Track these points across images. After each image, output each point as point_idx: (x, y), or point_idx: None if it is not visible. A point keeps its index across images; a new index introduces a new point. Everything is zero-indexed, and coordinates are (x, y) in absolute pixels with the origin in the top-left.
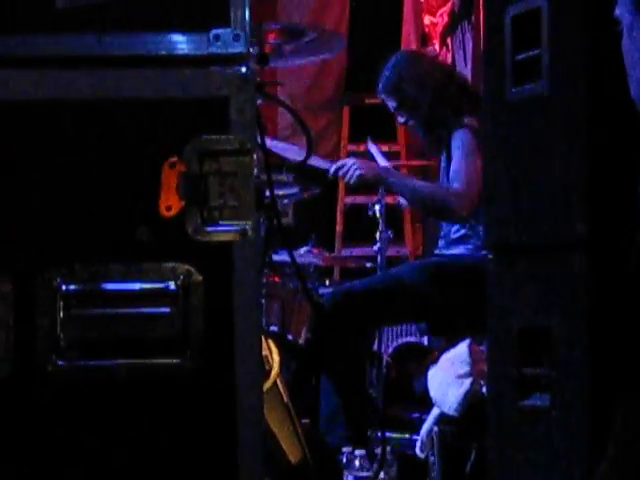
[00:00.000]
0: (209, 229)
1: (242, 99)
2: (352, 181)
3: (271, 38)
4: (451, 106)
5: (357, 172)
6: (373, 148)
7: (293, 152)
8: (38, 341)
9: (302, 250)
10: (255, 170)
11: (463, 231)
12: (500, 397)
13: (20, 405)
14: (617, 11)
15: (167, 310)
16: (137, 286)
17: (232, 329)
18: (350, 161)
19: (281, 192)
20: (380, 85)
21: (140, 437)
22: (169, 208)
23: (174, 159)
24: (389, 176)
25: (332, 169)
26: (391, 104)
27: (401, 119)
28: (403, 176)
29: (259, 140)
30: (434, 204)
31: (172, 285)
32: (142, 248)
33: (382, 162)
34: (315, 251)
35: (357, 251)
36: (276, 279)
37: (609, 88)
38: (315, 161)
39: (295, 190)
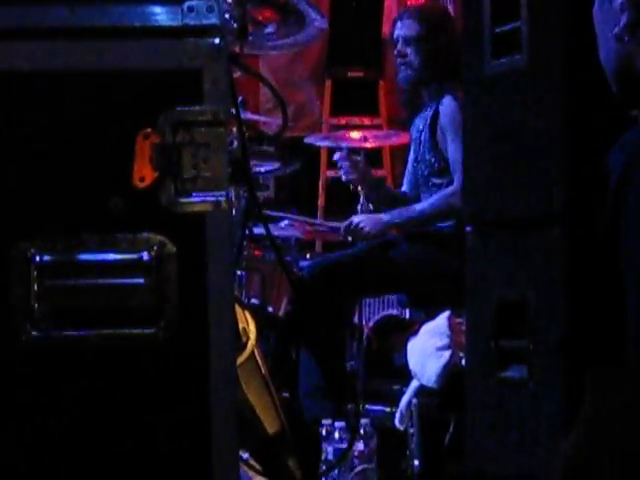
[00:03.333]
0: (182, 200)
1: (216, 70)
2: (361, 238)
3: (260, 16)
4: (451, 65)
5: (365, 230)
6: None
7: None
8: (12, 311)
9: (283, 223)
10: (234, 143)
11: None
12: (478, 369)
13: None
14: None
15: (141, 281)
16: (111, 257)
17: (205, 299)
18: (356, 220)
19: (262, 168)
20: (419, 11)
21: (114, 407)
22: (142, 179)
23: (148, 130)
24: (392, 220)
25: (342, 231)
26: (407, 31)
27: (399, 58)
28: (403, 210)
29: (234, 111)
30: (441, 214)
31: (146, 256)
32: (116, 219)
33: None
34: (296, 224)
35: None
36: (257, 252)
37: (589, 61)
38: (324, 226)
39: (277, 165)
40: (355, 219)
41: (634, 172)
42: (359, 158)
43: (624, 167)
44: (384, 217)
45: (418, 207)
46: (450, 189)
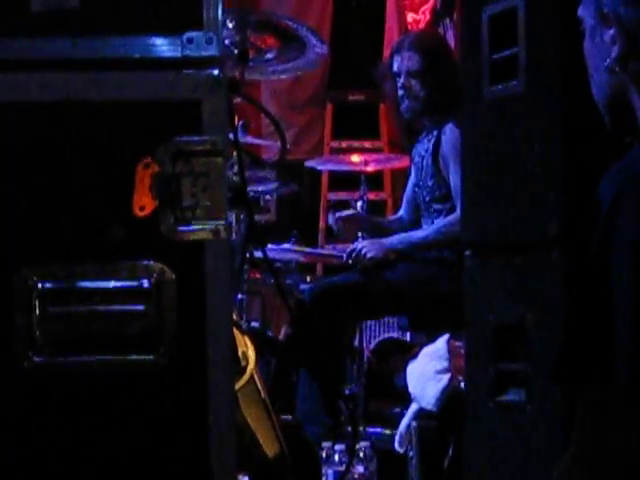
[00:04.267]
0: (182, 228)
1: (214, 101)
2: (365, 263)
3: (260, 42)
4: (454, 94)
5: (367, 255)
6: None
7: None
8: (15, 338)
9: (284, 246)
10: (235, 168)
11: None
12: (477, 392)
13: None
14: (580, 12)
15: (141, 307)
16: (111, 284)
17: (204, 326)
18: (359, 246)
19: (260, 187)
20: (418, 42)
21: (114, 432)
22: (142, 208)
23: (148, 160)
24: (395, 245)
25: (345, 257)
26: (410, 64)
27: (401, 90)
28: (406, 236)
29: (233, 138)
30: (444, 241)
31: (146, 283)
32: (116, 247)
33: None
34: (297, 247)
35: (340, 247)
36: (257, 275)
37: (585, 87)
38: (327, 254)
39: (275, 184)
40: (358, 245)
41: (623, 203)
42: (351, 212)
43: (613, 198)
44: (387, 242)
45: (421, 233)
46: (453, 217)
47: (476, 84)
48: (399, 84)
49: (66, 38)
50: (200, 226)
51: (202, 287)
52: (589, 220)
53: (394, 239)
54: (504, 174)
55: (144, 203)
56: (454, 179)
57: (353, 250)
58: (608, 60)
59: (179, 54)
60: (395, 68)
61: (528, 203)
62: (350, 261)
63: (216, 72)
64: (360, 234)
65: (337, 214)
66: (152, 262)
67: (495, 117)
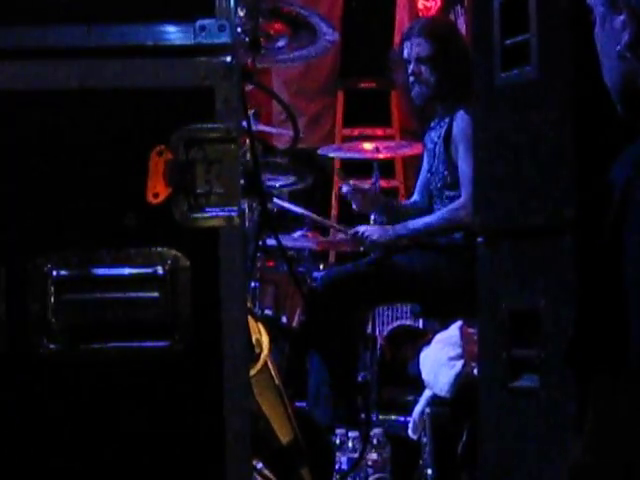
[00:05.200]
0: (196, 215)
1: (227, 88)
2: (367, 247)
3: (271, 29)
4: (464, 80)
5: (369, 238)
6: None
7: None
8: (30, 326)
9: (296, 234)
10: (247, 155)
11: None
12: (491, 378)
13: (12, 389)
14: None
15: (155, 294)
16: (126, 271)
17: (219, 313)
18: (361, 229)
19: (277, 183)
20: (427, 28)
21: (129, 419)
22: (156, 195)
23: (161, 147)
24: (399, 231)
25: (348, 234)
26: (419, 51)
27: (412, 76)
28: (410, 222)
29: (245, 124)
30: (448, 227)
31: (160, 270)
32: (130, 234)
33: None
34: (310, 235)
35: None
36: (270, 263)
37: (597, 73)
38: (334, 226)
39: (291, 179)
40: (361, 228)
41: (636, 188)
42: (367, 187)
43: (626, 183)
44: (390, 229)
45: (425, 220)
46: (457, 203)
47: (488, 70)
48: (409, 70)
49: (80, 26)
50: (214, 213)
51: (216, 273)
52: (602, 205)
53: (398, 226)
54: (517, 160)
55: (158, 190)
56: (462, 166)
57: (357, 232)
58: (619, 46)
59: (192, 42)
60: (405, 54)
61: (541, 189)
62: (354, 242)
63: (229, 59)
64: (372, 215)
65: (353, 182)
66: (166, 249)
67: (507, 103)
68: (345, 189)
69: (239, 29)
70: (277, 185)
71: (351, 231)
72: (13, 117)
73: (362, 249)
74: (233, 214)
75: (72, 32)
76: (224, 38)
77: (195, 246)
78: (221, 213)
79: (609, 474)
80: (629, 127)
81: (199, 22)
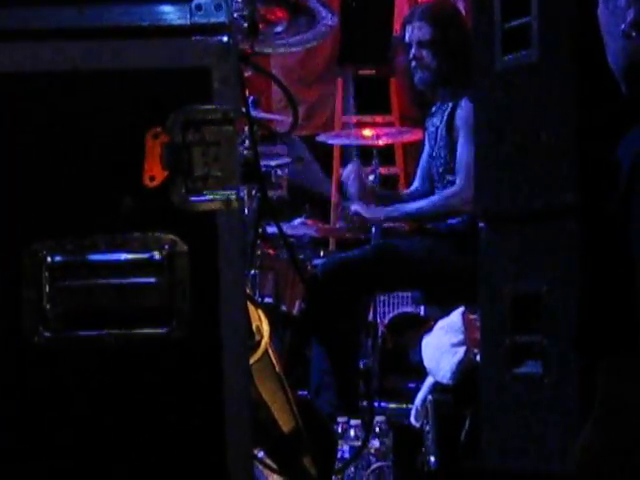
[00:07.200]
0: (193, 199)
1: (224, 69)
2: (350, 218)
3: (270, 14)
4: (466, 64)
5: (353, 209)
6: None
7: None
8: (25, 313)
9: (296, 221)
10: (246, 142)
11: None
12: (493, 365)
13: (7, 377)
14: None
15: (153, 280)
16: (122, 256)
17: (218, 298)
18: (353, 208)
19: (274, 163)
20: (428, 12)
21: (127, 407)
22: (153, 178)
23: (157, 129)
24: (390, 213)
25: (342, 209)
26: (420, 34)
27: (414, 61)
28: (402, 206)
29: (244, 110)
30: (439, 213)
31: (157, 255)
32: (127, 219)
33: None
34: (310, 222)
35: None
36: (270, 251)
37: (598, 56)
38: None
39: (286, 160)
40: (353, 207)
41: None
42: (370, 178)
43: (632, 164)
44: (382, 210)
45: (418, 204)
46: (450, 190)
47: (488, 54)
48: (411, 55)
49: (72, 6)
50: (212, 196)
51: (215, 258)
52: (607, 186)
53: (390, 208)
54: (518, 143)
55: (154, 173)
56: (460, 153)
57: (347, 208)
58: (623, 25)
59: (188, 21)
60: (407, 38)
61: (543, 173)
62: (345, 219)
63: (225, 39)
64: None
65: (354, 165)
66: (163, 234)
67: (508, 86)
68: (345, 173)
69: (236, 15)
70: (273, 164)
71: (346, 209)
72: (5, 100)
73: (362, 237)
74: (231, 197)
75: (64, 13)
76: (221, 17)
77: (193, 230)
78: (219, 196)
79: (618, 456)
80: (633, 107)
81: (195, 1)
